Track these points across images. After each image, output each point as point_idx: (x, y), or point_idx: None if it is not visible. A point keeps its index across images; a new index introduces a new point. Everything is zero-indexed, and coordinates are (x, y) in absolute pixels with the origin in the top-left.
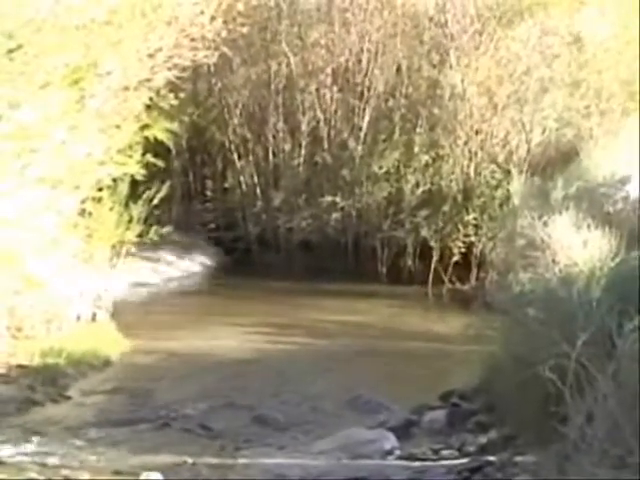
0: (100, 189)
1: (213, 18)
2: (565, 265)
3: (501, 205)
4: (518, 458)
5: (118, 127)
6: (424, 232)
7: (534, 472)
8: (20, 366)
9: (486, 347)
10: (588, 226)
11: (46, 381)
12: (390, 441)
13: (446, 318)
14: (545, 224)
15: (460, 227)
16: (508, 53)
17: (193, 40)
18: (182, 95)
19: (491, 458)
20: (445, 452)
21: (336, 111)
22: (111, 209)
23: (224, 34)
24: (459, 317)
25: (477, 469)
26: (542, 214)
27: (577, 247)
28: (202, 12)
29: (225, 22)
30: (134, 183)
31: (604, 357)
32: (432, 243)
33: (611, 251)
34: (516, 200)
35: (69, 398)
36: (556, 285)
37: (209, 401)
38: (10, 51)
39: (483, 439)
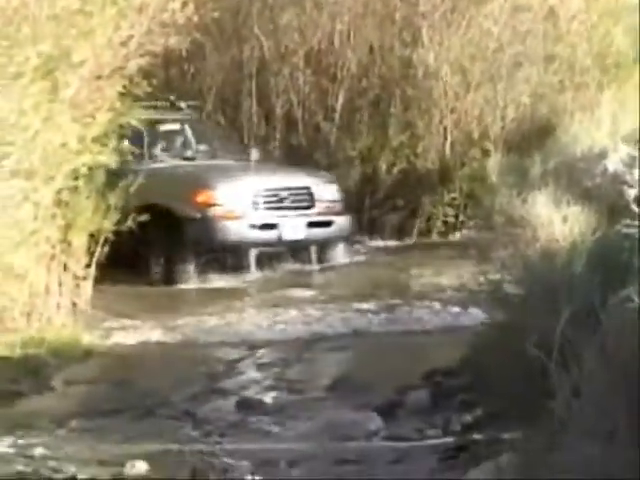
0: (76, 178)
1: (184, 4)
2: (546, 241)
3: (478, 183)
4: (504, 435)
5: (92, 116)
6: (402, 213)
7: (521, 449)
8: (2, 358)
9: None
10: (568, 202)
11: (29, 372)
12: (375, 422)
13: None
14: (524, 201)
15: (439, 207)
16: (480, 30)
17: (165, 26)
18: (155, 82)
19: (477, 436)
20: (430, 432)
21: (310, 94)
22: (87, 198)
23: (196, 19)
24: None
25: (463, 448)
26: (521, 191)
27: (557, 223)
28: None
29: (196, 7)
30: (110, 171)
31: (589, 332)
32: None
33: (591, 226)
34: (493, 177)
35: (52, 389)
36: (537, 261)
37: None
38: None
39: (468, 417)
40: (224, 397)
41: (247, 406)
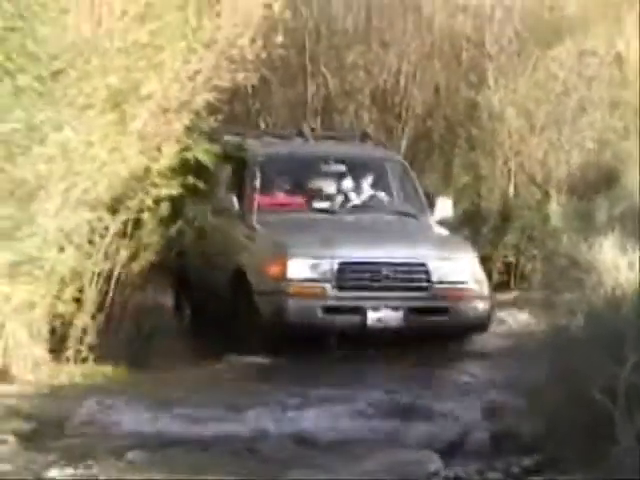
0: (141, 210)
1: (253, 40)
2: (611, 287)
3: (540, 226)
4: (562, 478)
5: (159, 149)
6: None
7: None
8: None
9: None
10: (634, 248)
11: None
12: (435, 463)
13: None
14: (590, 245)
15: (499, 248)
16: (547, 73)
17: (233, 62)
18: (220, 117)
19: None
20: (490, 474)
21: (375, 132)
22: (152, 231)
23: (263, 56)
24: None
25: None
26: (586, 235)
27: (623, 269)
28: (241, 34)
29: (264, 44)
30: (174, 204)
31: None
32: None
33: None
34: (555, 221)
35: None
36: (603, 306)
37: None
38: (54, 73)
39: (528, 461)
40: None
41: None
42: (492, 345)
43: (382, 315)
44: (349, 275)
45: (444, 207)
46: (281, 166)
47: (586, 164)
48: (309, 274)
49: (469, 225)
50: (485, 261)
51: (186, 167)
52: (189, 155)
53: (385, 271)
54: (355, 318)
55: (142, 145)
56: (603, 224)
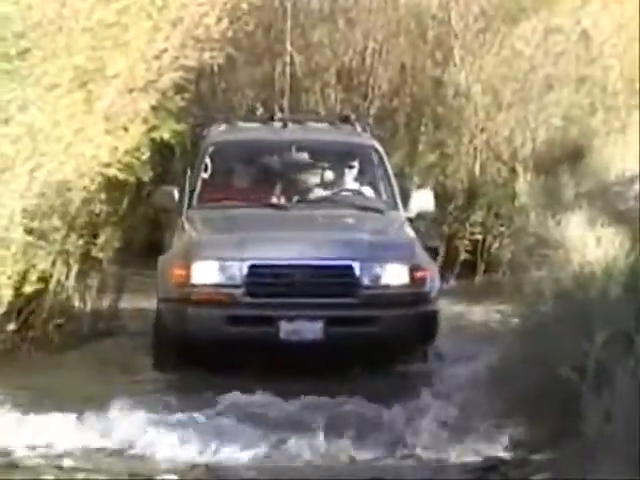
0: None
1: (219, 19)
2: (579, 264)
3: (507, 204)
4: (534, 456)
5: (125, 129)
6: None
7: (551, 471)
8: None
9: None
10: (602, 224)
11: None
12: None
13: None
14: (557, 222)
15: (466, 226)
16: (512, 51)
17: (199, 41)
18: (187, 96)
19: (506, 456)
20: (467, 458)
21: (341, 111)
22: (116, 211)
23: (229, 34)
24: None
25: (492, 468)
26: (553, 212)
27: (591, 246)
28: (207, 13)
29: (230, 22)
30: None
31: (622, 355)
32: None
33: (625, 249)
34: (522, 198)
35: None
36: (572, 285)
37: None
38: (21, 53)
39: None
40: None
41: None
42: None
43: (297, 327)
44: (260, 280)
45: (423, 200)
46: (237, 155)
47: (553, 141)
48: (216, 279)
49: (435, 204)
50: (452, 239)
51: (154, 150)
52: (156, 135)
53: (302, 275)
54: (266, 329)
55: (108, 125)
56: (570, 201)
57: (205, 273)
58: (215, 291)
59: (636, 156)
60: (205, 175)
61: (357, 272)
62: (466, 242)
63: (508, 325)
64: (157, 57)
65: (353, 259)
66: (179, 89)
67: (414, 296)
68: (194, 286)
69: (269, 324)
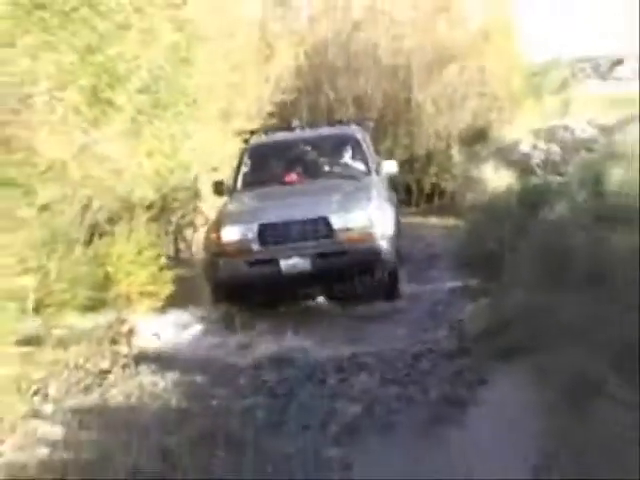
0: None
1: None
2: (491, 190)
3: (448, 162)
4: (475, 285)
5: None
6: (408, 177)
7: (483, 295)
8: None
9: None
10: (501, 168)
11: None
12: None
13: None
14: (477, 169)
15: (427, 175)
16: (446, 81)
17: (280, 89)
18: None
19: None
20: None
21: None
22: None
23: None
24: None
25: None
26: (475, 164)
27: (497, 181)
28: (282, 76)
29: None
30: None
31: (517, 237)
32: (412, 183)
33: (515, 180)
34: (456, 158)
35: None
36: (489, 199)
37: None
38: (190, 104)
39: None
40: None
41: None
42: None
43: (294, 262)
44: (266, 234)
45: (390, 166)
46: (265, 152)
47: (471, 126)
48: (237, 237)
49: (409, 165)
50: (420, 182)
51: None
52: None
53: (294, 228)
54: (272, 267)
55: (235, 139)
56: (483, 157)
57: (230, 234)
58: (237, 245)
59: (517, 131)
60: (245, 169)
61: (331, 221)
62: (427, 184)
63: (453, 227)
64: (259, 98)
65: (328, 212)
66: (270, 116)
67: (369, 234)
68: (223, 244)
69: (274, 263)
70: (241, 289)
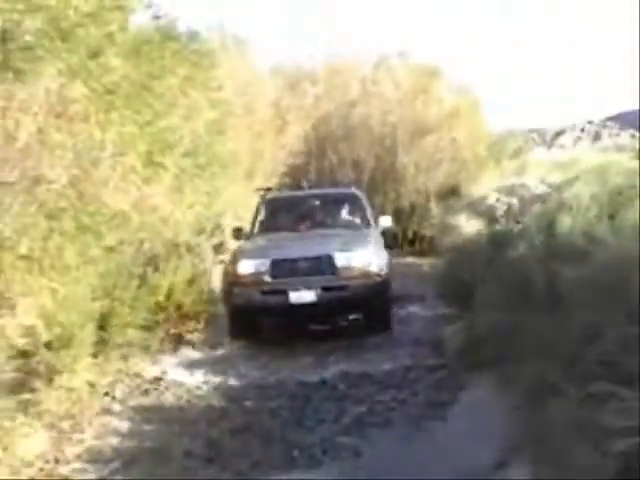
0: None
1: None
2: (465, 235)
3: (427, 213)
4: (453, 312)
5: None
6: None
7: (459, 319)
8: None
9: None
10: (472, 218)
11: None
12: None
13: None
14: (453, 218)
15: (410, 224)
16: (425, 148)
17: (291, 152)
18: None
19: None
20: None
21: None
22: None
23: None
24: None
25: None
26: (450, 215)
27: (469, 227)
28: (293, 144)
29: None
30: None
31: (491, 271)
32: (398, 231)
33: (483, 227)
34: (435, 210)
35: None
36: (463, 242)
37: None
38: (206, 165)
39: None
40: None
41: None
42: None
43: (301, 293)
44: (278, 268)
45: (385, 221)
46: (278, 204)
47: (445, 184)
48: (252, 270)
49: (395, 216)
50: (405, 231)
51: None
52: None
53: (303, 264)
54: (282, 297)
55: (255, 193)
56: (457, 209)
57: (245, 267)
58: (252, 277)
59: (483, 188)
60: (260, 217)
61: (335, 259)
62: (410, 231)
63: (432, 264)
64: (275, 161)
65: (333, 251)
66: (284, 175)
67: (368, 272)
68: (239, 275)
69: (283, 294)
70: (254, 314)
